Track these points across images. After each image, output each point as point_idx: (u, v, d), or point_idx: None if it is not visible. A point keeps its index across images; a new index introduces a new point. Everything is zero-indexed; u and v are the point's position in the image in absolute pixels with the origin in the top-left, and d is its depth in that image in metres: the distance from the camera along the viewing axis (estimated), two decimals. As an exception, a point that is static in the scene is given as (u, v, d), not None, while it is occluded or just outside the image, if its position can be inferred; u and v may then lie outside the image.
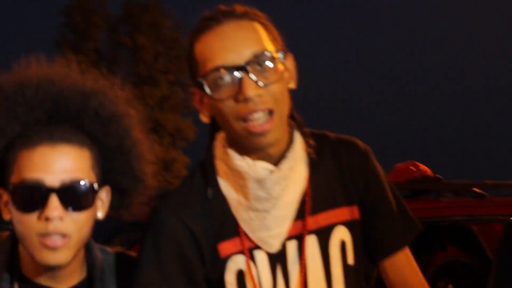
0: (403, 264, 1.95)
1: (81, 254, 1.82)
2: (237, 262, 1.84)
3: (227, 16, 1.80)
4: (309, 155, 1.88)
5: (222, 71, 1.75)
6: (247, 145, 1.79)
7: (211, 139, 1.90)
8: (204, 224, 1.85)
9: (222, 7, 1.83)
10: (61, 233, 1.70)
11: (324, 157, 1.90)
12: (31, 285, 1.79)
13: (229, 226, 1.85)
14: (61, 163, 1.71)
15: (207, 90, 1.77)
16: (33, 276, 1.79)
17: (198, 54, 1.80)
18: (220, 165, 1.87)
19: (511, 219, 4.15)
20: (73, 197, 1.71)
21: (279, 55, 1.80)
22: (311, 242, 1.86)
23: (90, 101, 1.77)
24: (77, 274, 1.83)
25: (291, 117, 1.87)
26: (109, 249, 1.93)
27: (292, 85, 1.86)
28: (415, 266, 1.97)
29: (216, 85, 1.76)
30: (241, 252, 1.84)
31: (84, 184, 1.73)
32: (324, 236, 1.86)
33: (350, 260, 1.90)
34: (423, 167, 4.70)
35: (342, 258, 1.88)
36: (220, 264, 1.85)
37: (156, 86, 27.36)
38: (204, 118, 1.86)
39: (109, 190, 1.84)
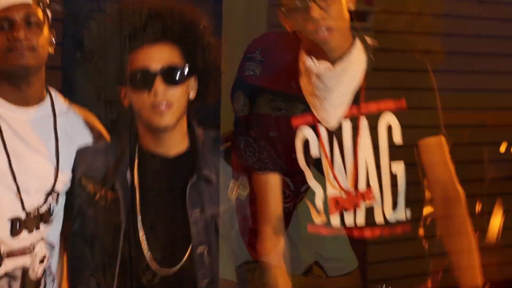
0: (434, 148, 2.50)
1: (184, 128, 2.51)
2: (304, 132, 2.51)
3: None
4: (369, 57, 2.49)
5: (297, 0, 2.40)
6: (314, 47, 2.45)
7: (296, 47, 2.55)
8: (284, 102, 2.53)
9: None
10: (166, 101, 2.40)
11: (383, 61, 2.49)
12: (148, 154, 2.51)
13: (301, 106, 2.52)
14: (160, 54, 2.44)
15: (286, 13, 2.44)
16: (149, 147, 2.50)
17: None
18: (301, 65, 2.54)
19: None
20: (172, 75, 2.42)
21: None
22: (363, 122, 2.46)
23: (174, 14, 2.48)
24: (182, 145, 2.51)
25: (354, 29, 2.49)
26: (211, 131, 2.60)
27: (352, 6, 2.46)
28: (445, 155, 2.49)
29: (293, 10, 2.42)
30: (309, 124, 2.50)
31: (178, 67, 2.44)
32: (374, 118, 2.46)
33: (397, 139, 2.46)
34: None
35: (388, 136, 2.45)
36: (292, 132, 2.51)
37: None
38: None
39: (195, 79, 2.53)
